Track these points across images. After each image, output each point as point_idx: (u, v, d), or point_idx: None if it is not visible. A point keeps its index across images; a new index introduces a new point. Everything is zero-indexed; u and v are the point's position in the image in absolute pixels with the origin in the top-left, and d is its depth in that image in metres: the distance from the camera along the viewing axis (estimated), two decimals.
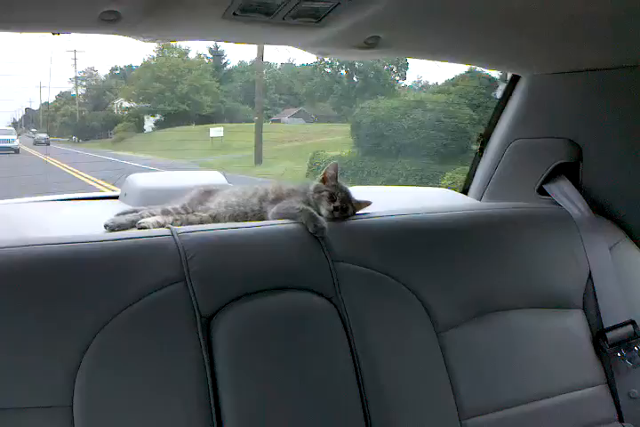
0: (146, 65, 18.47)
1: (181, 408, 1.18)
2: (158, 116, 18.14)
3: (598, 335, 1.59)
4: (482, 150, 2.10)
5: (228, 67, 21.30)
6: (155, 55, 18.37)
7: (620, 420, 1.56)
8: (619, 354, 1.57)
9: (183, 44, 18.26)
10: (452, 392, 1.38)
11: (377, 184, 10.05)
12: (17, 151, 18.22)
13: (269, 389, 1.24)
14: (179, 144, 15.67)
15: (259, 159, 13.43)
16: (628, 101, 1.72)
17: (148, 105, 18.32)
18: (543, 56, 1.73)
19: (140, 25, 1.29)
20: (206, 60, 19.29)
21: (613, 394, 1.57)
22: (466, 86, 11.21)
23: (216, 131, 15.41)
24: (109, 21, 1.24)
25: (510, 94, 2.00)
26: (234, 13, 1.24)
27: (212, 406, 1.19)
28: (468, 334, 1.45)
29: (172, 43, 16.14)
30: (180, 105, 17.24)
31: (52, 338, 1.13)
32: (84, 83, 21.91)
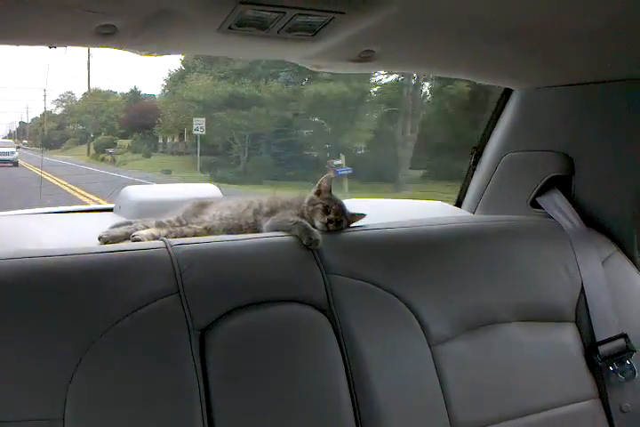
0: (80, 103, 29.52)
1: (173, 420, 1.17)
2: (93, 135, 28.18)
3: (590, 349, 1.59)
4: (475, 164, 2.10)
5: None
6: (86, 96, 28.79)
7: None
8: (611, 368, 1.57)
9: (105, 88, 29.35)
10: (444, 405, 1.38)
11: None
12: (16, 164, 18.30)
13: (263, 401, 1.24)
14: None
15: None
16: (619, 115, 1.73)
17: (85, 128, 28.90)
18: (535, 70, 1.75)
19: (136, 38, 1.30)
20: (120, 98, 29.08)
21: (605, 408, 1.56)
22: None
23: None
24: (106, 35, 1.25)
25: (503, 108, 2.01)
26: (229, 27, 1.25)
27: (204, 419, 1.18)
28: (460, 348, 1.45)
29: (99, 87, 27.69)
30: (101, 128, 26.81)
31: (46, 350, 1.13)
32: (64, 104, 30.72)
